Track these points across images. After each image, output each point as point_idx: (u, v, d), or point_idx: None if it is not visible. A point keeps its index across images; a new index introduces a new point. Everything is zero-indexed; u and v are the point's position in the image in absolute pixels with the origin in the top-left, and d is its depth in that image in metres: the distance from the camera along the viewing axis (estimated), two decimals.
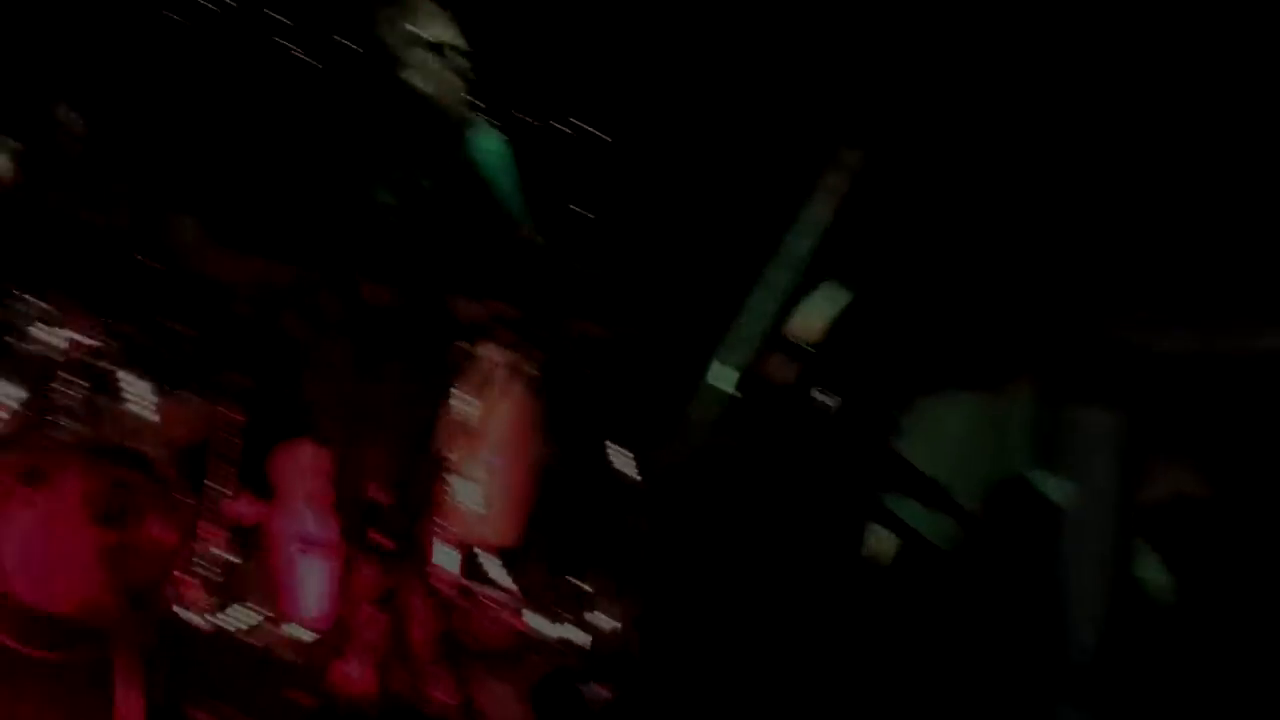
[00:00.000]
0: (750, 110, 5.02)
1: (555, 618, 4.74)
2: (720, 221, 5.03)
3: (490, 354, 2.97)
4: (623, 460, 5.84)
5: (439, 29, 3.22)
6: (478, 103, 3.29)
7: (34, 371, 3.95)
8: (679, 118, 5.05)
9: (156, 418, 4.19)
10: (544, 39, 4.79)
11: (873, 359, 3.40)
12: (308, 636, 3.83)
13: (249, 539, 4.48)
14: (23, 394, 3.94)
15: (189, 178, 5.60)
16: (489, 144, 3.22)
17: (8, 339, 3.97)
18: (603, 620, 4.74)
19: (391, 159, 3.15)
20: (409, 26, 3.20)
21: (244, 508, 4.89)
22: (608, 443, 5.59)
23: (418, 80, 3.19)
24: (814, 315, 3.47)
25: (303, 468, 4.38)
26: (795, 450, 3.31)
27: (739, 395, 4.95)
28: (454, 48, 3.17)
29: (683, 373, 5.05)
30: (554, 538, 5.17)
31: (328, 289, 2.56)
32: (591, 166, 5.58)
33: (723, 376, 4.53)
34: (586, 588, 5.08)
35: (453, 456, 2.84)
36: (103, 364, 4.11)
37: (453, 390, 2.98)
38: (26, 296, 4.02)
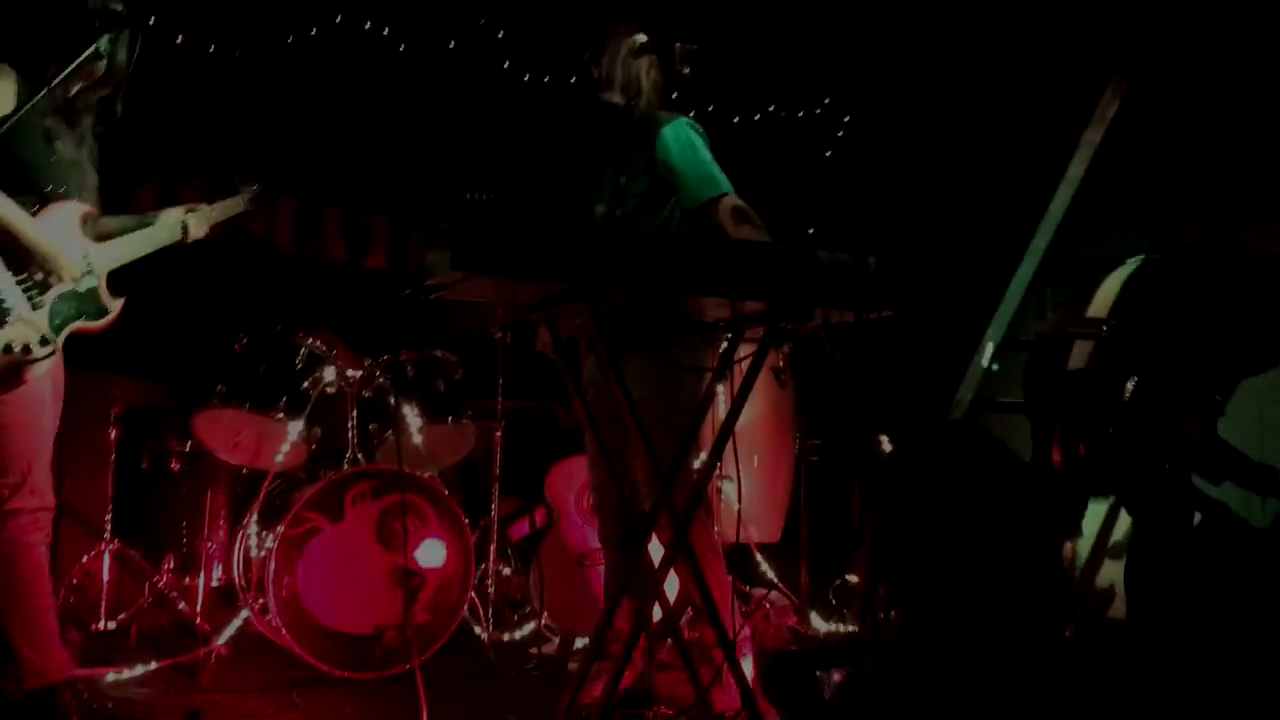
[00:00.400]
0: (992, 77, 4.80)
1: (825, 613, 4.65)
2: (967, 201, 4.85)
3: (741, 352, 2.91)
4: (884, 448, 5.71)
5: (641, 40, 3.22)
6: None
7: (314, 408, 4.17)
8: (916, 96, 4.90)
9: (429, 442, 4.36)
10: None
11: (1179, 333, 3.14)
12: (588, 644, 3.87)
13: (527, 553, 4.58)
14: (308, 430, 4.18)
15: (433, 211, 5.88)
16: (680, 131, 3.18)
17: (288, 379, 4.19)
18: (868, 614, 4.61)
19: (608, 168, 3.18)
20: (618, 45, 3.21)
21: (520, 523, 5.05)
22: (868, 432, 5.46)
23: (623, 95, 3.21)
24: (1106, 289, 3.24)
25: (575, 482, 4.46)
26: (1091, 431, 3.10)
27: (997, 369, 4.75)
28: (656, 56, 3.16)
29: (938, 355, 4.88)
30: (819, 531, 5.10)
31: (575, 303, 2.56)
32: (829, 153, 5.51)
33: (991, 355, 4.35)
34: (851, 579, 4.97)
35: (713, 458, 2.79)
36: (374, 395, 4.31)
37: (707, 391, 2.94)
38: (299, 336, 4.24)
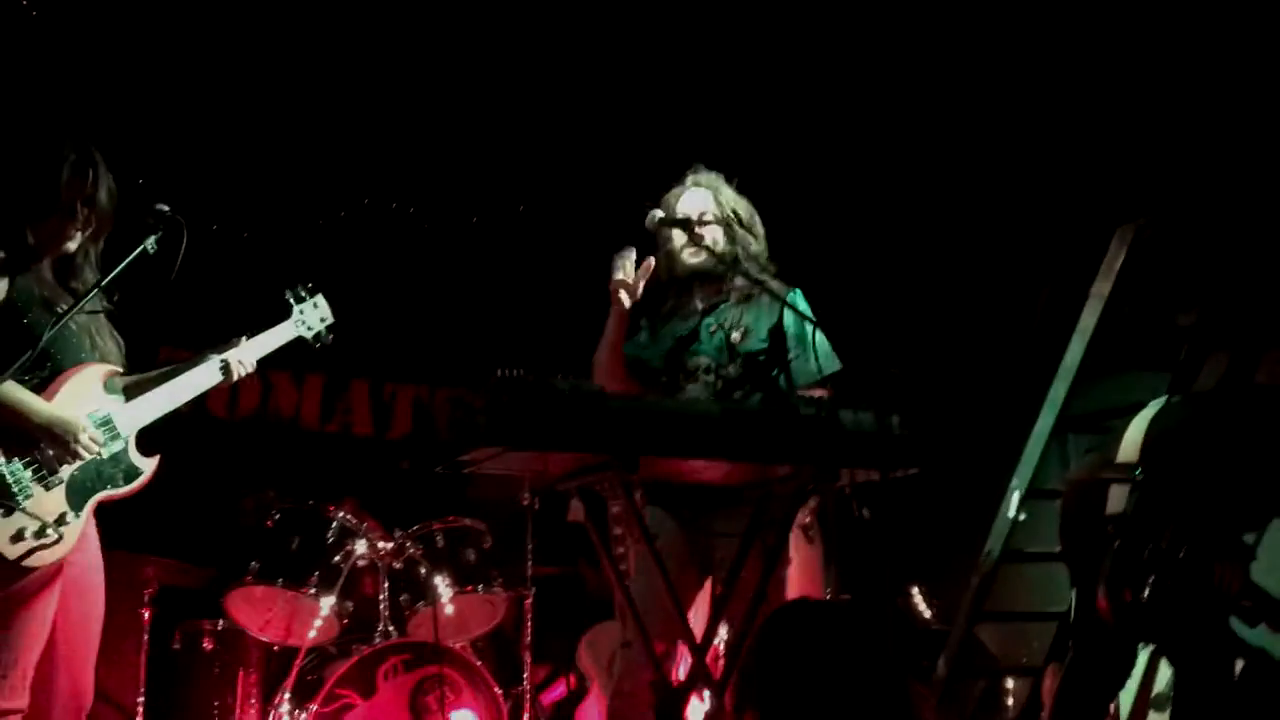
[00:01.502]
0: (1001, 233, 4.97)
1: None
2: (983, 355, 4.95)
3: (768, 512, 2.96)
4: (917, 600, 5.66)
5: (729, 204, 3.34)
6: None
7: (345, 581, 4.19)
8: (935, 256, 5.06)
9: (460, 612, 4.35)
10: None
11: (1207, 475, 3.17)
12: None
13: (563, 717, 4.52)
14: (340, 604, 4.18)
15: (458, 379, 6.00)
16: (804, 302, 3.32)
17: (318, 553, 4.22)
18: None
19: (704, 320, 3.28)
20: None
21: (554, 687, 4.99)
22: (900, 583, 5.43)
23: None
24: (1132, 432, 3.29)
25: (607, 650, 4.43)
26: (1136, 576, 3.09)
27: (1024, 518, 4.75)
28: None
29: (964, 508, 4.90)
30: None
31: (608, 473, 2.63)
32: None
33: (1018, 505, 4.37)
34: None
35: (747, 623, 2.81)
36: (403, 566, 4.33)
37: (746, 545, 2.97)
38: (329, 510, 4.28)
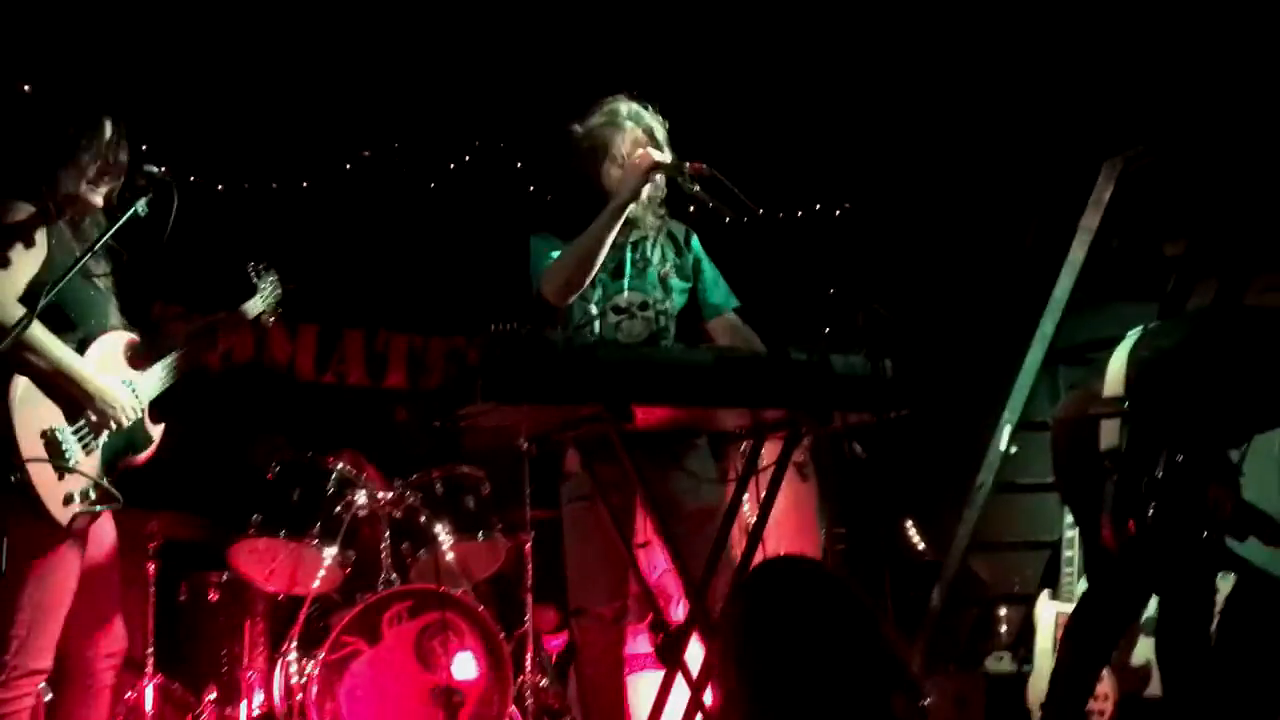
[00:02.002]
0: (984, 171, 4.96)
1: None
2: (973, 290, 4.97)
3: (764, 452, 2.99)
4: (910, 532, 5.75)
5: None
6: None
7: (346, 531, 4.24)
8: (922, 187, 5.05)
9: (461, 558, 4.41)
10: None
11: (1192, 400, 3.21)
12: None
13: (566, 661, 4.60)
14: (342, 554, 4.23)
15: (451, 326, 6.02)
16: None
17: (320, 504, 4.26)
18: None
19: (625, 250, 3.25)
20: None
21: (556, 633, 5.07)
22: (894, 518, 5.52)
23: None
24: (1115, 365, 3.31)
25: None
26: (1138, 508, 3.14)
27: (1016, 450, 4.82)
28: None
29: (957, 441, 4.96)
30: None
31: (602, 423, 2.65)
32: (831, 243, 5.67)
33: (1010, 438, 4.43)
34: None
35: (744, 564, 2.85)
36: (404, 515, 4.38)
37: (732, 492, 3.01)
38: (329, 461, 4.32)
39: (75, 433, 2.81)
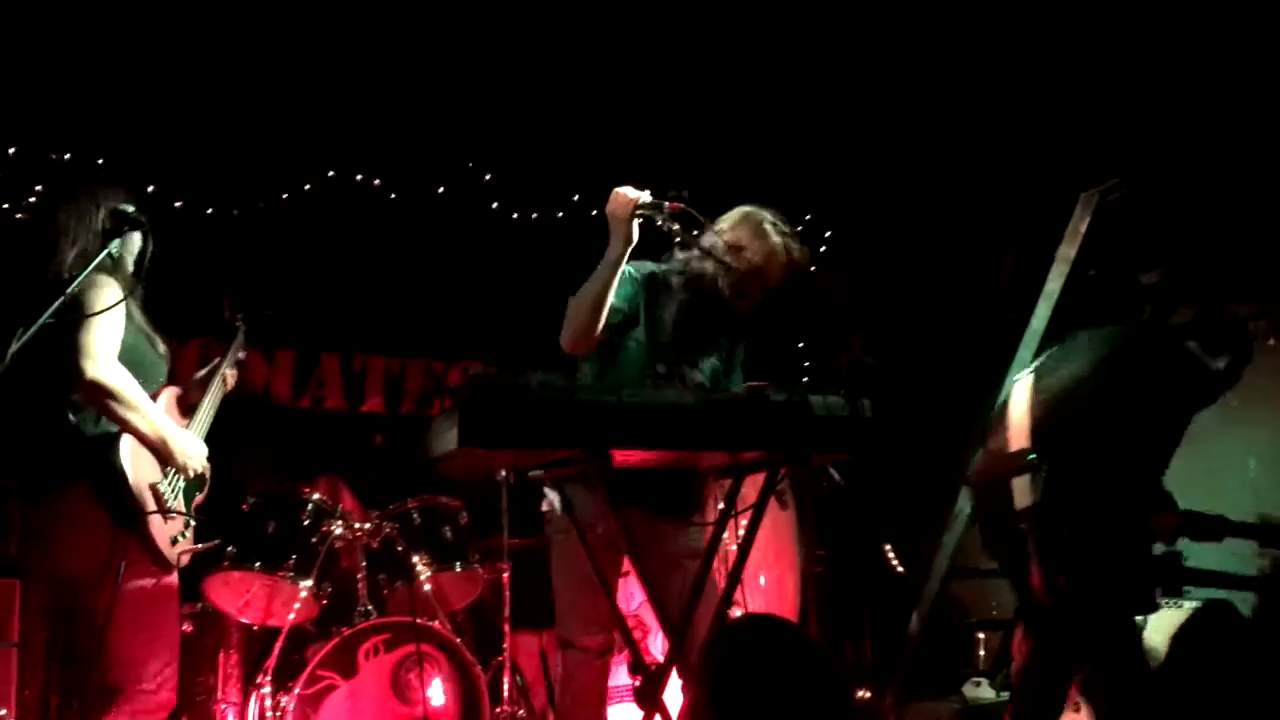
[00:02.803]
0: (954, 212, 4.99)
1: None
2: (951, 319, 4.99)
3: (744, 486, 3.00)
4: (889, 556, 5.76)
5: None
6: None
7: (322, 562, 4.20)
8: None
9: (439, 588, 4.38)
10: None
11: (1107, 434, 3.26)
12: None
13: (545, 686, 4.57)
14: (318, 585, 4.20)
15: (431, 351, 5.99)
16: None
17: (294, 535, 4.22)
18: None
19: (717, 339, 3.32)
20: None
21: (528, 657, 5.04)
22: (873, 542, 5.52)
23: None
24: (1016, 415, 3.36)
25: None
26: (1063, 561, 3.18)
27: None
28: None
29: (937, 469, 4.96)
30: (835, 640, 5.12)
31: (582, 466, 2.65)
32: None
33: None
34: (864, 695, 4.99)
35: (724, 606, 2.86)
36: (380, 545, 4.35)
37: (720, 527, 3.02)
38: (304, 492, 4.28)
39: (169, 482, 3.10)
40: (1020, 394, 3.48)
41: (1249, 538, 3.61)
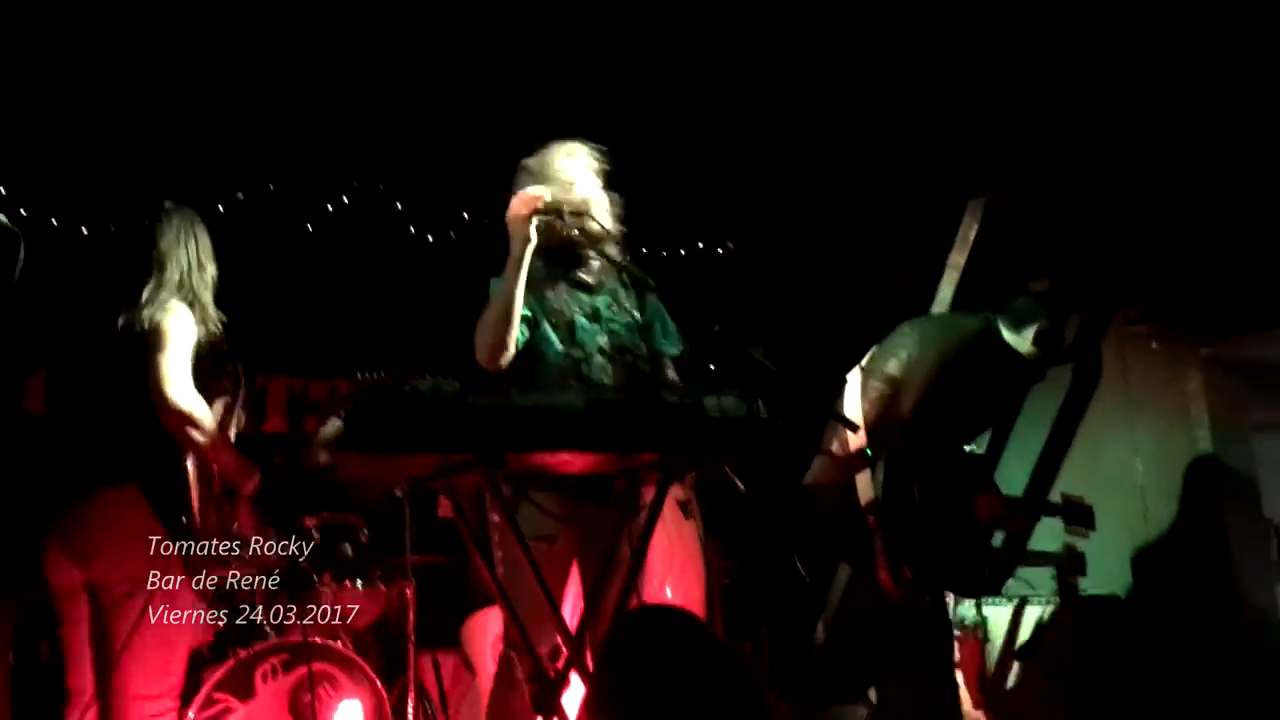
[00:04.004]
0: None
1: None
2: (844, 327, 5.07)
3: (645, 493, 3.00)
4: (794, 561, 5.80)
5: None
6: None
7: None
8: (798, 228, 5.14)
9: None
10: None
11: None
12: None
13: (441, 706, 4.52)
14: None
15: (328, 373, 5.90)
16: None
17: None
18: None
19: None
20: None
21: (435, 676, 4.97)
22: (780, 548, 5.56)
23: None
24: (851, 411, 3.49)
25: (490, 634, 4.43)
26: (907, 550, 3.28)
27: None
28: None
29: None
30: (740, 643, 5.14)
31: (474, 471, 2.63)
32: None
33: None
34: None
35: (621, 607, 2.85)
36: (282, 565, 4.27)
37: (619, 532, 3.01)
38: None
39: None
40: (852, 391, 3.58)
41: (1056, 515, 3.77)
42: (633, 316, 3.27)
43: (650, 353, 3.28)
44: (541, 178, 3.18)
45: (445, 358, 3.29)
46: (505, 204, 3.11)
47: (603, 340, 3.20)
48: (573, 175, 3.20)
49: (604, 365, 3.17)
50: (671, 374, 3.31)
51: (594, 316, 3.22)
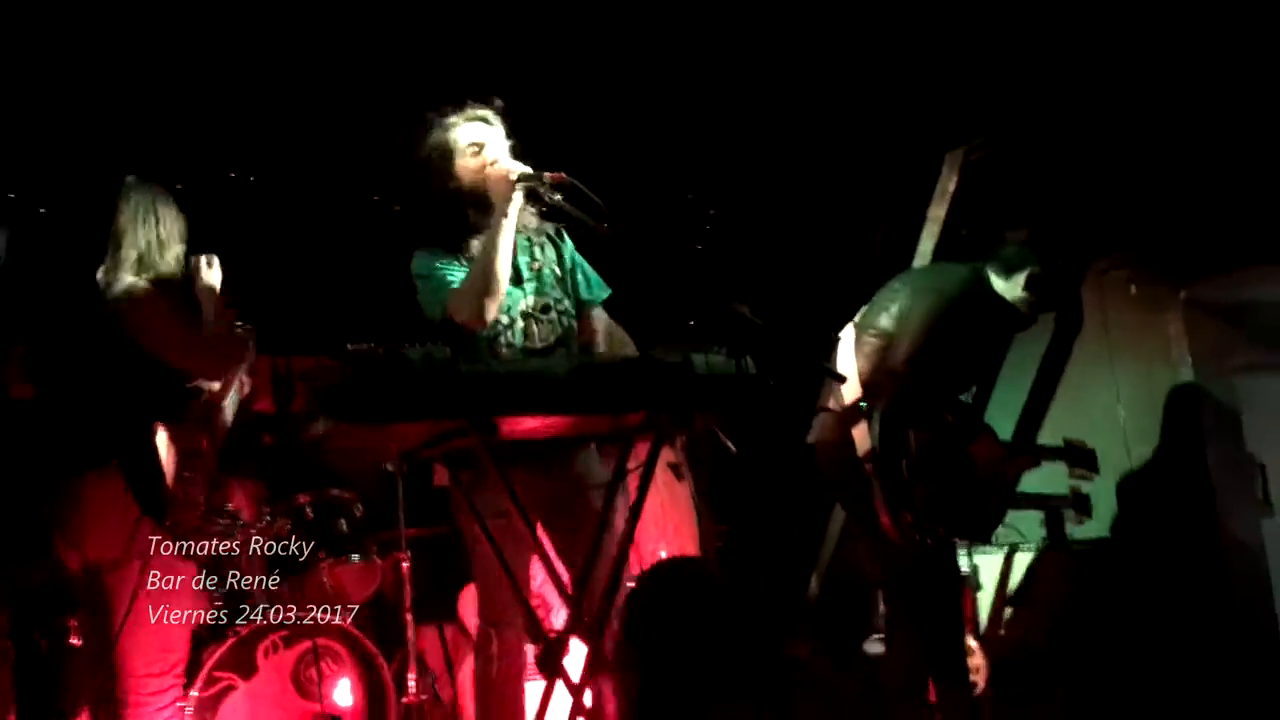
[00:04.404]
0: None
1: None
2: (825, 283, 5.09)
3: (638, 454, 3.02)
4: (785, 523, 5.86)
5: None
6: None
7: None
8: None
9: (337, 581, 4.34)
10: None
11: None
12: None
13: (448, 675, 4.55)
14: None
15: (316, 351, 5.88)
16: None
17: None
18: None
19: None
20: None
21: (433, 646, 5.01)
22: (772, 508, 5.61)
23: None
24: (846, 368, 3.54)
25: None
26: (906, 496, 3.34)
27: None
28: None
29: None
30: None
31: (465, 439, 2.65)
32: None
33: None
34: None
35: (618, 567, 2.88)
36: (278, 541, 4.29)
37: (611, 495, 3.03)
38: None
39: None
40: (846, 348, 3.62)
41: (1059, 459, 3.83)
42: (552, 271, 3.29)
43: (576, 304, 3.31)
44: (448, 144, 3.20)
45: (413, 327, 3.29)
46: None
47: (527, 302, 3.21)
48: (479, 138, 3.21)
49: (524, 328, 3.18)
50: (600, 322, 3.36)
51: (515, 279, 3.22)
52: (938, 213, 4.62)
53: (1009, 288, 3.65)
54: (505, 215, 3.05)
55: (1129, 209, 4.66)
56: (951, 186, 4.61)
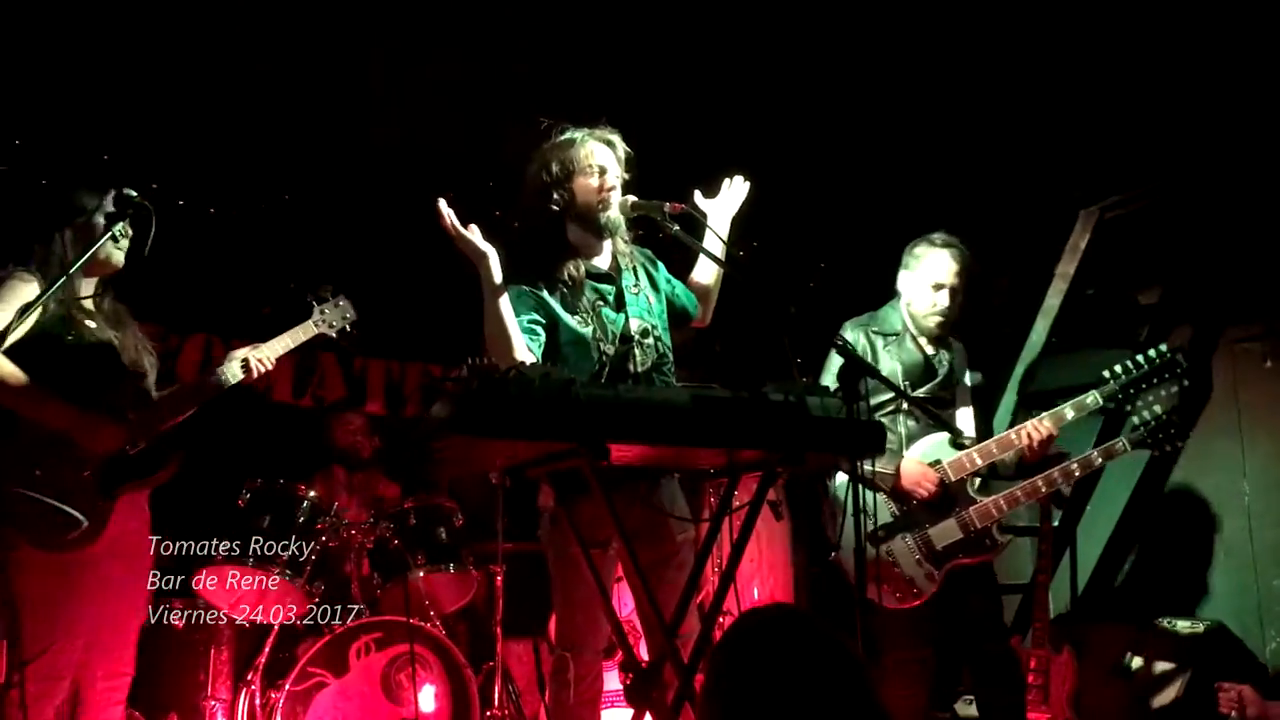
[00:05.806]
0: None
1: None
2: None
3: (736, 490, 3.00)
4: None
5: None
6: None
7: (317, 560, 4.19)
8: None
9: (432, 589, 4.37)
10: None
11: None
12: None
13: (538, 692, 4.55)
14: (309, 582, 4.19)
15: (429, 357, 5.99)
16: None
17: (289, 532, 4.21)
18: None
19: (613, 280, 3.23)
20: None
21: (521, 662, 5.02)
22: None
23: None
24: None
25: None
26: None
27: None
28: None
29: None
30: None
31: (576, 460, 2.64)
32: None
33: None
34: None
35: (715, 607, 2.85)
36: (375, 544, 4.34)
37: (707, 537, 3.01)
38: (299, 489, 4.27)
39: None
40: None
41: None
42: (647, 295, 3.25)
43: (682, 314, 3.32)
44: (573, 162, 3.14)
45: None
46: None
47: (629, 327, 3.15)
48: (604, 161, 3.15)
49: (625, 351, 3.12)
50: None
51: (618, 304, 3.18)
52: (1066, 269, 4.51)
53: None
54: (483, 276, 2.99)
55: (1267, 278, 4.49)
56: (1083, 243, 4.50)
